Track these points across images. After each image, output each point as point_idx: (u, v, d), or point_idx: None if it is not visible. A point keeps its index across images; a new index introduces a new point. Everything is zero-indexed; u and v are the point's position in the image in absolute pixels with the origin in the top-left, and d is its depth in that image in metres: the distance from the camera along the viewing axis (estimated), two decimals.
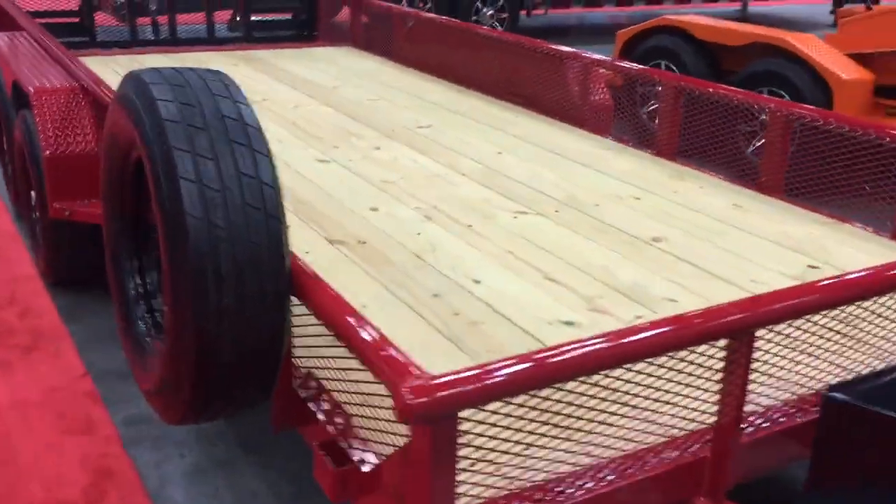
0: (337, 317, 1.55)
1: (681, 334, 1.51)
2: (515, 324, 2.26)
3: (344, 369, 1.70)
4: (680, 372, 1.63)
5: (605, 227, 2.95)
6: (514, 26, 9.58)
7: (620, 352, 1.45)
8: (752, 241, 2.86)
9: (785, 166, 3.24)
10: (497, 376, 1.33)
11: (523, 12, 9.77)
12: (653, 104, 5.80)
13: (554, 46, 4.46)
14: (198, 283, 1.56)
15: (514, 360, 1.36)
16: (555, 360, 1.39)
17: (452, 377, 1.30)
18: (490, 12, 9.44)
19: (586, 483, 1.64)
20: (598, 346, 1.44)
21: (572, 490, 1.61)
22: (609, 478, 1.66)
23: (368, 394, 1.61)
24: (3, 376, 3.05)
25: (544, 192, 3.28)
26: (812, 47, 4.98)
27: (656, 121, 5.62)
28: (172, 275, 1.60)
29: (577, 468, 1.63)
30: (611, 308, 2.36)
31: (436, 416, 1.33)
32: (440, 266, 2.59)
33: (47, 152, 3.22)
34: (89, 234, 3.47)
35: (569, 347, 1.42)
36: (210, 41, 6.40)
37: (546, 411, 1.50)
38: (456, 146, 3.84)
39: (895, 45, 4.87)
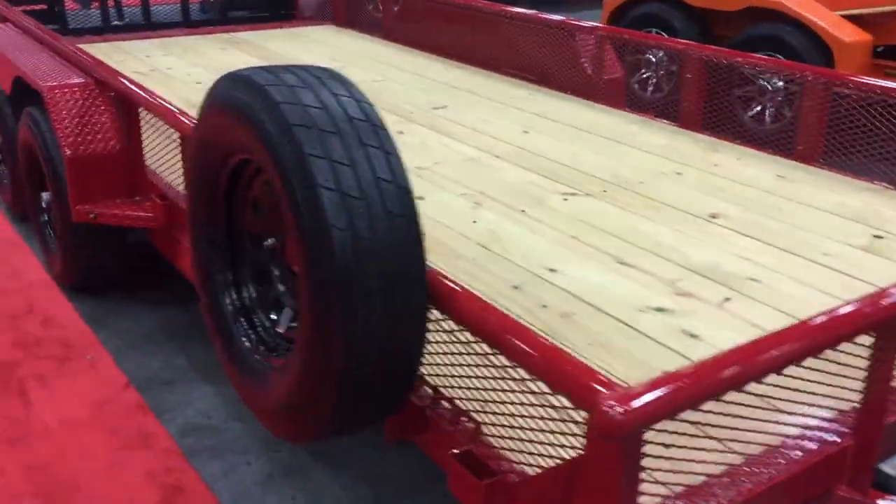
0: (495, 328, 1.48)
1: (858, 324, 1.49)
2: (607, 313, 2.22)
3: (485, 378, 1.63)
4: (831, 362, 1.60)
5: (658, 204, 2.92)
6: None
7: (812, 345, 1.42)
8: (810, 212, 2.85)
9: (824, 134, 3.24)
10: (708, 381, 1.29)
11: None
12: (644, 73, 5.80)
13: (563, 19, 4.39)
14: (344, 299, 1.47)
15: (720, 362, 1.32)
16: (762, 356, 1.35)
17: (662, 389, 1.25)
18: None
19: (741, 482, 1.61)
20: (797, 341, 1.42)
21: (729, 491, 1.58)
22: (760, 474, 1.63)
23: (521, 404, 1.55)
24: (42, 392, 2.91)
25: (585, 172, 3.22)
26: (810, 10, 4.99)
27: (648, 90, 5.62)
28: (313, 290, 1.51)
29: (730, 468, 1.60)
30: (696, 291, 2.32)
31: (638, 429, 1.27)
32: (510, 255, 2.52)
33: (69, 153, 3.04)
34: (112, 235, 3.32)
35: (768, 343, 1.39)
36: (185, 23, 6.16)
37: (721, 413, 1.46)
38: (480, 127, 3.75)
39: (892, 3, 4.90)
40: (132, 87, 2.96)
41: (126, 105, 3.09)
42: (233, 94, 1.71)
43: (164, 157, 2.98)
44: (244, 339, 1.86)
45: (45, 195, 3.52)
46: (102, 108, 3.15)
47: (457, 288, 1.58)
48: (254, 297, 1.91)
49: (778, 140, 3.48)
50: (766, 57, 3.52)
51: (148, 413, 2.83)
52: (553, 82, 4.39)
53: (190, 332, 3.33)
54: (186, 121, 2.50)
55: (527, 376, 1.49)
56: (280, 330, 1.82)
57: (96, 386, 2.95)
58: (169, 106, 2.68)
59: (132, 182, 3.15)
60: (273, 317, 1.86)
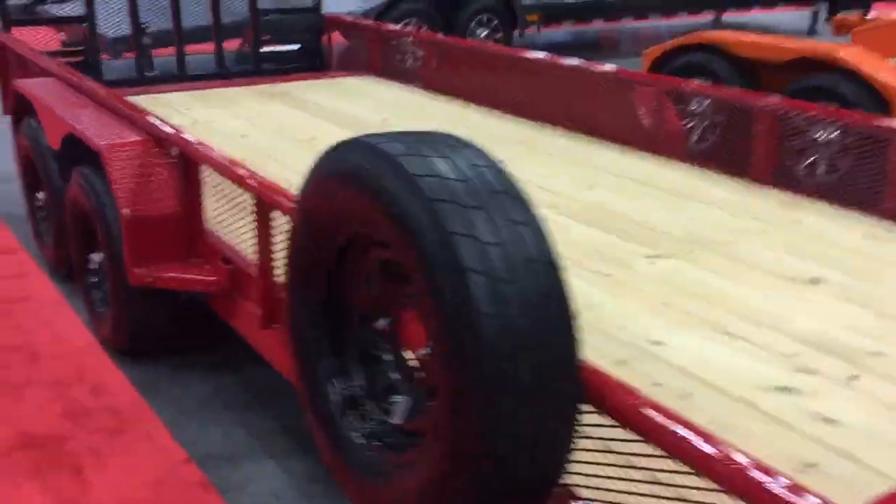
0: (669, 435, 1.32)
1: None
2: (726, 392, 2.05)
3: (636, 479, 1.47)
4: None
5: (747, 267, 2.76)
6: (509, 45, 9.43)
7: None
8: None
9: None
10: None
11: (516, 31, 9.62)
12: (687, 123, 5.69)
13: (619, 70, 4.29)
14: (494, 394, 1.31)
15: None
16: None
17: None
18: (484, 33, 9.28)
19: None
20: None
21: None
22: None
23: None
24: (96, 468, 2.73)
25: (662, 230, 3.08)
26: (866, 60, 4.89)
27: (692, 140, 5.45)
28: (454, 380, 1.35)
29: None
30: (817, 367, 2.16)
31: None
32: (606, 326, 2.37)
33: (127, 214, 2.91)
34: (166, 297, 3.17)
35: None
36: (220, 74, 6.10)
37: None
38: (542, 182, 3.62)
39: None
40: (197, 146, 2.84)
41: (187, 164, 2.96)
42: (353, 163, 1.57)
43: (228, 219, 2.85)
44: (353, 432, 1.69)
45: (94, 256, 3.38)
46: (161, 166, 3.02)
47: (615, 381, 1.43)
48: (363, 386, 1.75)
49: (841, 193, 3.34)
50: (854, 112, 3.39)
51: (211, 491, 2.65)
52: (607, 134, 4.28)
53: (247, 400, 3.16)
54: (283, 196, 2.36)
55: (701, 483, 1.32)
56: (397, 422, 1.65)
57: (154, 461, 2.77)
58: (254, 176, 2.53)
59: (190, 244, 3.02)
60: (387, 407, 1.70)
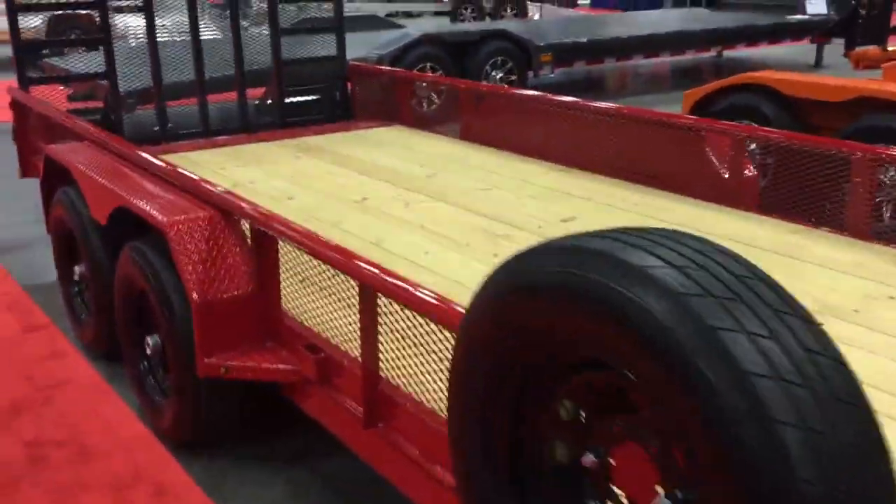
0: None
1: None
2: None
3: None
4: None
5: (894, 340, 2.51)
6: (524, 87, 9.26)
7: None
8: None
9: None
10: None
11: (530, 72, 9.46)
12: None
13: (689, 118, 4.07)
14: None
15: None
16: None
17: None
18: (499, 75, 9.11)
19: None
20: None
21: None
22: None
23: None
24: None
25: None
26: None
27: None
28: None
29: None
30: None
31: None
32: None
33: (197, 298, 2.61)
34: (235, 385, 2.86)
35: None
36: (244, 128, 5.83)
37: None
38: None
39: None
40: (277, 221, 2.56)
41: (263, 240, 2.67)
42: (574, 274, 1.29)
43: (311, 298, 2.57)
44: None
45: (150, 340, 3.07)
46: (232, 243, 2.74)
47: None
48: None
49: None
50: None
51: None
52: (672, 184, 4.04)
53: (326, 499, 2.84)
54: (443, 308, 1.94)
55: None
56: None
57: None
58: (361, 260, 2.24)
59: (266, 328, 2.72)
60: None
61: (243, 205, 2.71)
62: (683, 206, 3.87)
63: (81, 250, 3.56)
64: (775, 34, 11.68)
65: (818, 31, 12.11)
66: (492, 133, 5.05)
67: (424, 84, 5.79)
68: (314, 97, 6.28)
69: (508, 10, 18.72)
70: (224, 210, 2.79)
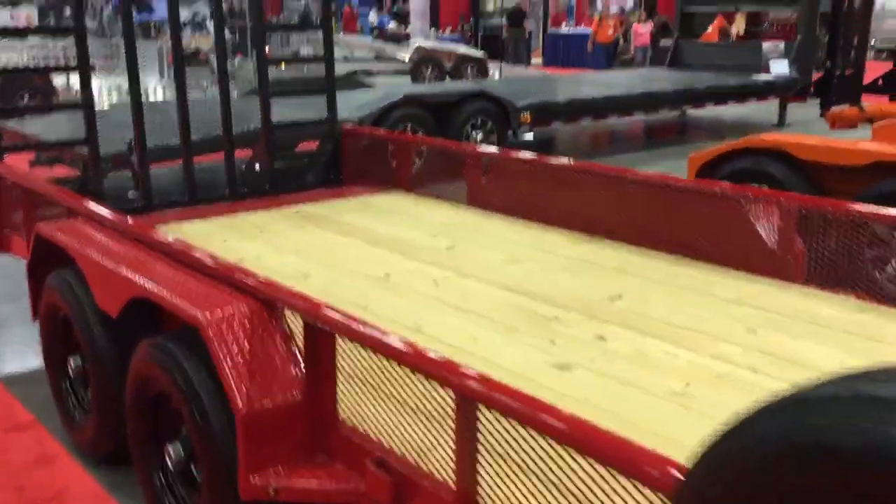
0: None
1: None
2: None
3: None
4: None
5: None
6: (502, 146, 9.10)
7: None
8: None
9: None
10: None
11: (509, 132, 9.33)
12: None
13: (725, 185, 3.88)
14: None
15: None
16: None
17: None
18: (479, 136, 8.94)
19: None
20: None
21: None
22: None
23: None
24: None
25: None
26: None
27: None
28: None
29: None
30: None
31: None
32: None
33: (243, 406, 2.26)
34: None
35: None
36: (232, 194, 5.49)
37: None
38: (691, 324, 3.11)
39: None
40: (337, 316, 2.23)
41: (316, 336, 2.34)
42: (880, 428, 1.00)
43: (378, 407, 2.24)
44: None
45: (171, 449, 2.69)
46: (279, 340, 2.40)
47: None
48: None
49: None
50: None
51: None
52: (706, 254, 3.83)
53: None
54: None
55: None
56: None
57: None
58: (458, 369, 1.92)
59: (317, 440, 2.37)
60: None
61: (291, 295, 2.38)
62: (729, 279, 3.64)
63: (81, 342, 3.15)
64: (742, 94, 11.80)
65: (783, 91, 12.30)
66: (504, 199, 4.80)
67: (424, 148, 5.53)
68: (304, 161, 5.99)
69: (469, 70, 18.78)
70: (267, 301, 2.46)
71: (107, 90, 11.36)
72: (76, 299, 3.11)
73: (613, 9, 25.88)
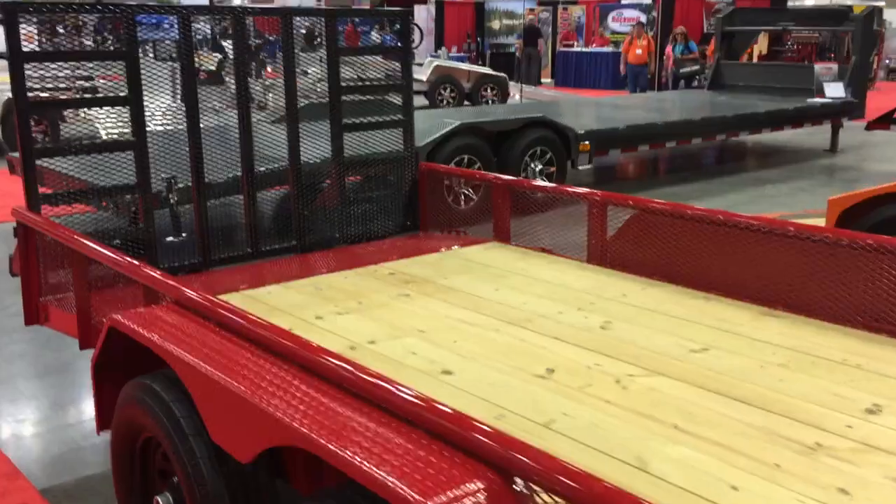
0: None
1: None
2: None
3: None
4: None
5: None
6: (563, 179, 8.33)
7: None
8: None
9: None
10: None
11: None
12: None
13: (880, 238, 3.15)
14: None
15: None
16: None
17: None
18: (539, 167, 8.15)
19: None
20: None
21: None
22: None
23: None
24: None
25: None
26: None
27: None
28: None
29: None
30: None
31: None
32: None
33: None
34: None
35: None
36: (299, 246, 4.66)
37: None
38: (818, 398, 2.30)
39: None
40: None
41: None
42: None
43: None
44: None
45: None
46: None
47: None
48: None
49: None
50: None
51: None
52: (812, 310, 3.14)
53: None
54: None
55: None
56: None
57: None
58: None
59: None
60: None
61: (549, 467, 1.56)
62: (846, 338, 2.92)
63: (182, 483, 2.30)
64: (798, 119, 11.09)
65: (839, 114, 11.63)
66: (644, 258, 3.99)
67: (524, 191, 4.72)
68: (378, 204, 5.16)
69: (488, 91, 18.01)
70: (507, 472, 1.63)
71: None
72: (175, 426, 2.27)
73: (626, 27, 25.29)
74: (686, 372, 2.87)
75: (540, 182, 4.73)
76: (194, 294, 2.45)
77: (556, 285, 3.86)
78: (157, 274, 2.67)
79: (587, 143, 8.47)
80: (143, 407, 2.40)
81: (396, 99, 5.10)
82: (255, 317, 2.29)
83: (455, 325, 3.36)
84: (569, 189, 4.38)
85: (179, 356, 2.22)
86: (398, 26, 5.15)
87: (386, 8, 5.91)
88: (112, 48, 3.99)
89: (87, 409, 4.31)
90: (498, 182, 4.72)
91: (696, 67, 16.30)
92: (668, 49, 16.58)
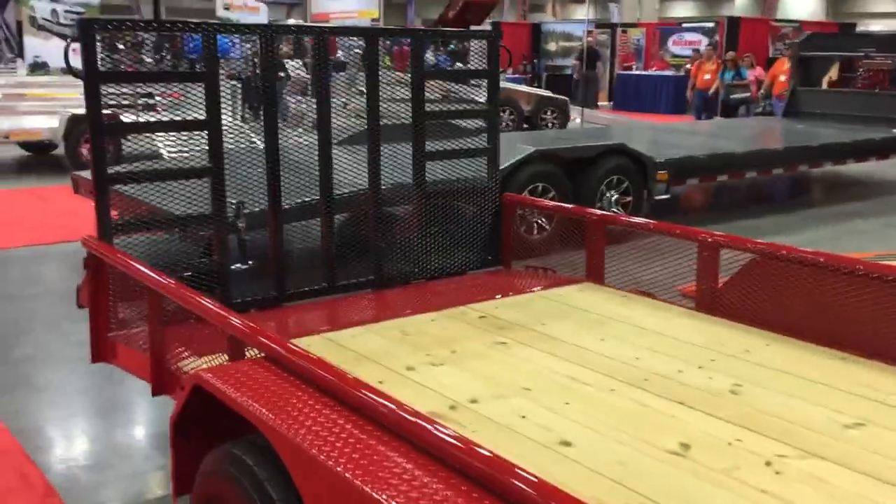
0: None
1: None
2: None
3: None
4: None
5: None
6: (639, 209, 7.93)
7: None
8: None
9: None
10: None
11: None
12: None
13: None
14: None
15: None
16: None
17: None
18: (615, 196, 7.77)
19: None
20: None
21: None
22: None
23: None
24: None
25: None
26: None
27: None
28: None
29: None
30: None
31: None
32: None
33: None
34: None
35: None
36: (377, 280, 4.35)
37: None
38: None
39: None
40: None
41: None
42: None
43: None
44: None
45: None
46: None
47: None
48: None
49: None
50: None
51: None
52: None
53: None
54: None
55: None
56: None
57: None
58: None
59: None
60: None
61: None
62: None
63: None
64: (883, 150, 10.53)
65: None
66: (763, 310, 3.59)
67: (622, 229, 4.35)
68: (460, 237, 4.83)
69: (549, 114, 17.63)
70: None
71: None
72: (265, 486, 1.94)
73: (686, 50, 24.75)
74: (846, 454, 2.47)
75: (639, 220, 4.33)
76: (297, 357, 2.12)
77: (666, 337, 3.48)
78: (249, 327, 2.36)
79: (665, 172, 8.07)
80: (224, 478, 2.08)
81: (479, 124, 4.80)
82: (372, 388, 1.95)
83: (563, 382, 3.00)
84: (677, 230, 3.99)
85: (278, 430, 1.89)
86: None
87: (472, 29, 5.61)
88: (175, 66, 3.74)
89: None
90: (593, 218, 4.35)
91: (747, 94, 15.64)
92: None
